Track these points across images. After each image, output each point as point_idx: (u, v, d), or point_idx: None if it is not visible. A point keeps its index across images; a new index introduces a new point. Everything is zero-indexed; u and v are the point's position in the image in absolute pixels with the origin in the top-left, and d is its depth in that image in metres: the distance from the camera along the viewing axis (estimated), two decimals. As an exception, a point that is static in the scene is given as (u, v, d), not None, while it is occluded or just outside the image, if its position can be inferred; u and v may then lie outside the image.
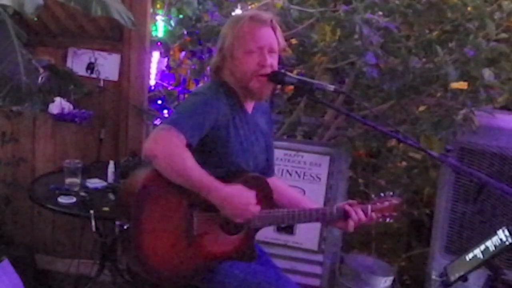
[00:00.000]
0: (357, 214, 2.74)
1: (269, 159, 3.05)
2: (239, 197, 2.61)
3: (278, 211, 2.82)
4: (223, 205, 2.57)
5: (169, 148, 2.55)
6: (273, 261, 3.11)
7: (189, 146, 2.56)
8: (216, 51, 2.86)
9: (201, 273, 2.73)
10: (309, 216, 2.82)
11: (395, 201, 2.89)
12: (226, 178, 2.69)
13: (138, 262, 2.63)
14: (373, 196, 3.14)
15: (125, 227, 2.66)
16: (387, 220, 2.92)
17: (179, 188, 2.58)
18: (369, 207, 2.80)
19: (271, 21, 2.72)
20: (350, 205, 2.77)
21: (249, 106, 2.86)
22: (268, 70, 2.70)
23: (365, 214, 2.79)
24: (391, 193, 2.95)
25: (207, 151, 2.69)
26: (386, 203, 2.86)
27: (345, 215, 2.74)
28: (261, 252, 2.98)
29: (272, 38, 2.72)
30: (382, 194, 2.93)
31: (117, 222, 2.72)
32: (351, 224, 2.75)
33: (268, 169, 3.04)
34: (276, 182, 3.08)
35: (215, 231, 2.67)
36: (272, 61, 2.70)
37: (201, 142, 2.62)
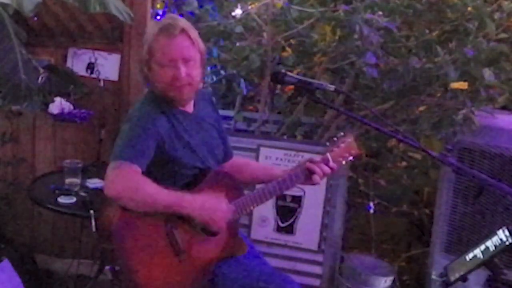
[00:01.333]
0: (321, 168, 2.77)
1: (225, 145, 3.08)
2: (210, 203, 2.66)
3: (250, 195, 2.85)
4: (198, 215, 2.62)
5: (127, 185, 2.58)
6: (273, 261, 3.18)
7: (143, 173, 2.61)
8: (141, 60, 2.88)
9: (201, 282, 2.77)
10: (279, 188, 2.84)
11: (349, 139, 2.90)
12: (192, 183, 2.79)
13: None
14: (327, 143, 3.03)
15: (116, 269, 2.88)
16: (351, 159, 2.94)
17: (151, 214, 2.63)
18: (328, 155, 2.82)
19: (183, 29, 2.71)
20: (311, 162, 2.80)
21: (188, 106, 2.88)
22: (184, 81, 2.70)
23: (327, 163, 2.81)
24: (342, 133, 2.96)
25: (161, 167, 2.76)
26: (342, 145, 2.88)
27: (310, 172, 2.78)
28: (255, 253, 3.02)
29: (186, 47, 2.72)
30: (335, 138, 2.93)
31: (107, 267, 3.07)
32: (317, 179, 2.79)
33: (226, 153, 3.08)
34: (237, 160, 3.17)
35: (199, 238, 2.71)
36: (188, 70, 2.70)
37: (153, 162, 2.66)
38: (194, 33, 2.79)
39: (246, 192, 2.98)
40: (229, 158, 3.14)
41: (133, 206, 2.57)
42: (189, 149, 2.80)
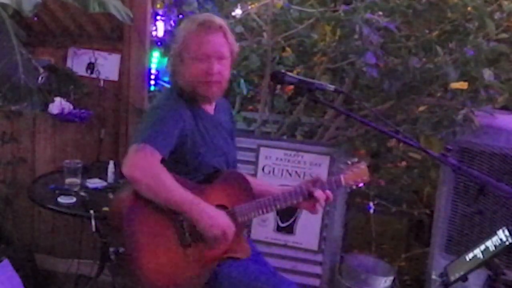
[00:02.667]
0: (324, 192, 2.75)
1: (233, 157, 3.09)
2: (217, 219, 2.64)
3: (258, 201, 2.83)
4: (201, 224, 2.60)
5: (147, 170, 2.57)
6: (273, 261, 3.17)
7: (163, 159, 2.61)
8: (173, 53, 2.91)
9: (202, 278, 2.75)
10: (272, 205, 2.81)
11: (362, 166, 2.90)
12: (205, 181, 2.79)
13: (140, 282, 2.64)
14: (341, 166, 3.09)
15: (120, 251, 2.76)
16: (360, 185, 2.93)
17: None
18: (342, 177, 2.81)
19: (221, 26, 2.74)
20: (313, 183, 2.77)
21: (210, 107, 2.90)
22: (215, 78, 2.72)
23: (339, 184, 2.82)
24: (355, 159, 2.96)
25: (179, 159, 2.74)
26: (356, 170, 2.87)
27: (309, 194, 2.77)
28: (256, 252, 3.02)
29: (222, 45, 2.75)
30: (349, 162, 2.93)
31: (111, 248, 2.85)
32: (317, 206, 2.78)
33: (234, 162, 3.10)
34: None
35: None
36: (221, 68, 2.72)
37: (172, 152, 2.66)
38: (230, 33, 2.82)
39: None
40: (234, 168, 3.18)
41: (146, 192, 2.57)
42: (208, 147, 2.82)
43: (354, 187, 2.94)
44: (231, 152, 3.05)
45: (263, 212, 2.95)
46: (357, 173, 2.90)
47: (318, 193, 2.79)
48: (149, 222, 2.65)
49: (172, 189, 2.58)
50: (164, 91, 3.09)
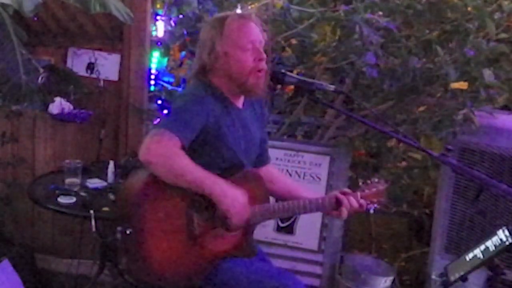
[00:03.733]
0: (350, 201, 2.76)
1: (263, 148, 3.07)
2: (237, 196, 2.61)
3: (274, 205, 2.83)
4: (221, 201, 2.57)
5: (163, 152, 2.55)
6: (273, 261, 3.11)
7: (183, 148, 2.57)
8: (201, 56, 2.85)
9: (204, 272, 2.73)
10: (303, 208, 2.83)
11: (381, 186, 2.89)
12: (223, 175, 2.71)
13: (141, 266, 2.64)
14: (360, 183, 3.04)
15: (127, 232, 2.65)
16: (375, 206, 2.92)
17: (177, 190, 2.58)
18: (358, 194, 2.81)
19: (255, 15, 2.77)
20: (342, 193, 2.77)
21: (239, 101, 2.88)
22: (265, 64, 2.72)
23: (356, 198, 2.82)
24: (376, 180, 2.93)
25: (200, 151, 2.71)
26: (374, 189, 2.86)
27: (338, 203, 2.76)
28: (259, 251, 2.99)
29: (260, 33, 2.75)
30: (369, 181, 2.91)
31: (118, 228, 2.72)
32: (344, 212, 2.76)
33: (263, 158, 3.08)
34: (272, 170, 3.15)
35: (215, 229, 2.66)
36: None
37: (194, 143, 2.64)
38: (262, 26, 2.83)
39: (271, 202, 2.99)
40: (264, 164, 3.13)
41: (163, 174, 2.56)
42: (230, 142, 2.80)
43: (369, 206, 2.92)
44: (256, 148, 3.04)
45: (274, 217, 3.01)
46: (374, 193, 2.90)
47: (352, 201, 2.79)
48: (159, 208, 2.64)
49: (190, 169, 2.56)
50: (191, 85, 3.10)
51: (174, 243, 2.67)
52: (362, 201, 2.80)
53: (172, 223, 2.67)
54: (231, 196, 2.61)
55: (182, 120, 2.61)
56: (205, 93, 2.74)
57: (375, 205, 2.92)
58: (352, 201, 2.77)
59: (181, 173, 2.55)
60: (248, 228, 2.83)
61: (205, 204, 2.64)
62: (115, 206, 3.55)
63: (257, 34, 2.75)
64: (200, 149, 2.71)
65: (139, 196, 2.62)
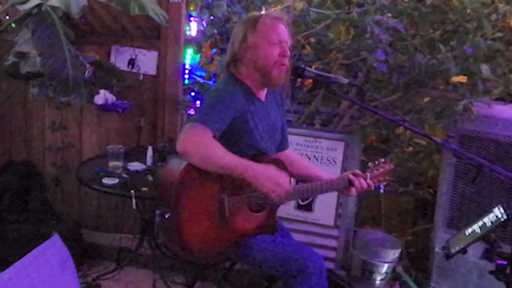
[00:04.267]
0: (360, 182, 2.93)
1: (283, 136, 3.21)
2: (273, 174, 2.76)
3: (296, 187, 2.98)
4: (259, 181, 2.72)
5: (198, 144, 2.69)
6: (293, 236, 3.31)
7: (214, 138, 2.71)
8: (232, 47, 3.00)
9: (234, 249, 2.92)
10: (319, 189, 2.99)
11: (388, 167, 3.07)
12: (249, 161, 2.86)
13: (179, 246, 2.82)
14: (369, 164, 3.19)
15: (166, 216, 2.86)
16: (384, 185, 3.14)
17: (210, 177, 2.75)
18: (368, 175, 2.98)
19: (286, 20, 2.92)
20: (354, 174, 2.94)
21: (262, 94, 3.02)
22: (287, 61, 2.88)
23: (366, 179, 2.98)
24: (383, 160, 3.11)
25: (229, 140, 2.84)
26: (381, 170, 3.04)
27: (350, 184, 2.93)
28: (282, 227, 3.16)
29: (287, 34, 2.91)
30: (376, 162, 3.09)
31: (158, 212, 2.96)
32: (353, 191, 2.96)
33: (283, 144, 3.23)
34: (292, 154, 3.31)
35: (243, 211, 2.85)
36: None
37: (224, 133, 2.77)
38: (289, 29, 3.00)
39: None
40: (284, 149, 3.27)
41: (200, 163, 2.70)
42: (256, 131, 2.95)
43: (379, 184, 3.09)
44: (278, 134, 3.16)
45: (296, 198, 3.22)
46: (383, 172, 3.07)
47: (361, 182, 2.96)
48: (195, 193, 2.78)
49: (224, 156, 2.68)
50: (221, 80, 3.20)
51: (207, 224, 2.82)
52: (370, 181, 2.96)
53: (206, 207, 2.83)
54: (265, 176, 2.73)
55: (213, 114, 2.76)
56: (233, 88, 2.88)
57: (384, 184, 3.11)
58: (362, 182, 2.93)
59: (216, 161, 2.69)
60: (272, 209, 2.99)
61: (234, 189, 2.81)
62: (154, 189, 3.69)
63: (284, 33, 2.88)
64: (228, 138, 2.83)
65: (177, 184, 2.77)
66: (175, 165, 2.86)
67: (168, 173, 2.95)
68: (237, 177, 2.76)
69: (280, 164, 2.99)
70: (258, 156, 2.94)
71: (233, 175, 2.74)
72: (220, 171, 2.72)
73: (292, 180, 3.20)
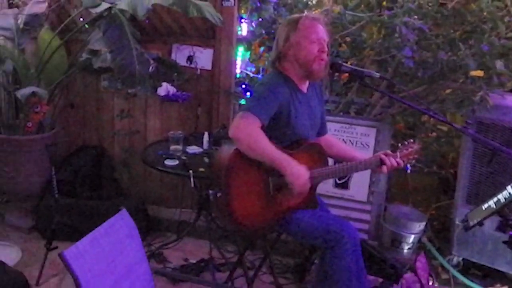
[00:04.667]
0: (390, 161, 3.01)
1: (322, 123, 3.31)
2: (300, 173, 2.85)
3: (332, 167, 3.07)
4: (290, 176, 2.83)
5: (248, 133, 2.79)
6: (331, 210, 3.40)
7: (262, 126, 2.83)
8: (277, 45, 3.10)
9: (278, 222, 3.03)
10: (355, 168, 3.07)
11: (416, 146, 3.13)
12: (291, 146, 3.03)
13: (230, 221, 2.94)
14: (398, 145, 3.24)
15: (218, 195, 2.97)
16: (411, 163, 3.18)
17: (256, 160, 2.85)
18: (398, 154, 3.06)
19: (324, 21, 3.05)
20: (385, 154, 3.03)
21: (304, 87, 3.12)
22: (326, 56, 2.98)
23: (396, 159, 3.05)
24: (411, 140, 3.19)
25: (275, 127, 2.95)
26: (410, 149, 3.10)
27: (381, 163, 3.02)
28: (321, 202, 3.28)
29: (325, 32, 3.02)
30: (406, 142, 3.17)
31: (210, 191, 3.05)
32: (384, 169, 3.03)
33: (323, 130, 3.33)
34: (330, 138, 3.41)
35: (286, 190, 2.92)
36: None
37: (270, 121, 2.88)
38: (327, 28, 3.08)
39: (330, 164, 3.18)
40: (323, 134, 3.36)
41: (245, 149, 2.82)
42: (298, 119, 3.03)
43: (408, 163, 3.15)
44: (317, 122, 3.24)
45: (332, 176, 3.19)
46: (411, 151, 3.12)
47: (391, 160, 3.03)
48: (243, 174, 2.90)
49: (266, 147, 2.80)
50: (269, 74, 3.29)
51: (254, 201, 2.94)
52: (399, 160, 3.03)
53: (252, 187, 2.94)
54: (295, 173, 2.83)
55: (261, 104, 2.86)
56: (278, 81, 2.99)
57: (411, 163, 3.18)
58: (392, 160, 3.01)
59: (259, 150, 2.82)
60: (313, 186, 3.03)
61: (277, 171, 2.87)
62: (209, 171, 3.79)
63: (322, 32, 2.99)
64: (274, 126, 2.94)
65: (226, 168, 2.89)
66: (225, 151, 2.96)
67: (219, 158, 3.04)
68: None
69: (318, 148, 3.12)
70: (299, 141, 3.06)
71: (269, 164, 2.85)
72: (260, 160, 2.84)
73: (330, 160, 3.24)
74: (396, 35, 3.89)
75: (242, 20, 5.01)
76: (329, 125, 3.73)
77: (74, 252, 2.26)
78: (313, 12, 4.34)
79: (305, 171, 2.85)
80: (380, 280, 3.83)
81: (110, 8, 4.15)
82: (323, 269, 3.03)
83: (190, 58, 4.91)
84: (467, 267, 4.31)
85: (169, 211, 5.16)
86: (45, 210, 4.78)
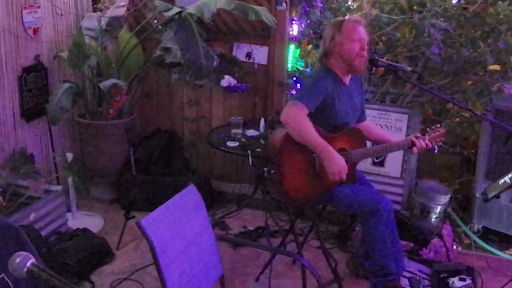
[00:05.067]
0: (420, 143, 3.11)
1: (362, 110, 3.41)
2: (337, 162, 2.99)
3: (369, 148, 3.23)
4: (327, 163, 2.98)
5: (296, 119, 2.92)
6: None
7: (309, 113, 2.95)
8: (324, 44, 3.20)
9: (324, 196, 3.17)
10: (389, 149, 3.21)
11: (442, 130, 3.22)
12: (335, 130, 3.14)
13: (281, 194, 3.11)
14: (427, 128, 3.30)
15: (271, 172, 3.10)
16: (438, 145, 3.28)
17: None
18: (426, 137, 3.15)
19: (364, 24, 3.19)
20: (416, 137, 3.13)
21: (347, 79, 3.22)
22: (366, 53, 3.10)
23: (425, 141, 3.15)
24: (438, 125, 3.26)
25: (321, 114, 3.07)
26: (437, 133, 3.20)
27: (412, 144, 3.12)
28: (361, 177, 3.38)
29: (365, 33, 3.14)
30: (433, 127, 3.24)
31: (265, 169, 3.14)
32: (415, 150, 3.12)
33: (362, 116, 3.43)
34: (368, 124, 3.50)
35: None
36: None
37: (317, 109, 3.01)
38: (367, 29, 3.16)
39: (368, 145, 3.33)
40: (363, 120, 3.44)
41: (292, 133, 2.94)
42: (341, 107, 3.13)
43: (435, 145, 3.24)
44: (358, 110, 3.32)
45: (370, 156, 3.40)
46: (438, 135, 3.21)
47: (421, 142, 3.13)
48: (293, 154, 3.02)
49: (311, 134, 2.92)
50: (316, 69, 3.35)
51: (302, 177, 3.07)
52: (428, 142, 3.14)
53: (301, 165, 3.06)
54: (333, 161, 2.96)
55: (309, 94, 2.99)
56: (324, 75, 3.10)
57: (438, 145, 3.30)
58: (422, 142, 3.12)
59: (304, 135, 2.93)
60: (352, 165, 3.15)
61: None
62: (264, 151, 3.92)
63: (363, 33, 3.10)
64: (320, 113, 3.05)
65: (278, 148, 3.02)
66: (277, 134, 3.09)
67: (272, 140, 3.17)
68: None
69: (358, 132, 3.23)
70: (342, 125, 3.17)
71: (311, 149, 2.97)
72: (304, 144, 2.95)
73: (369, 142, 3.36)
74: (425, 34, 4.00)
75: (293, 22, 5.12)
76: (368, 112, 3.79)
77: (149, 221, 2.39)
78: (354, 15, 4.48)
79: (341, 159, 2.98)
80: (411, 244, 3.98)
81: (180, 12, 4.36)
82: (363, 235, 3.22)
83: (248, 55, 5.11)
84: (486, 234, 4.45)
85: (230, 185, 5.38)
86: (124, 184, 5.07)
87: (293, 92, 5.01)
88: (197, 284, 2.63)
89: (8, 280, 1.66)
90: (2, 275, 1.64)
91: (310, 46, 5.07)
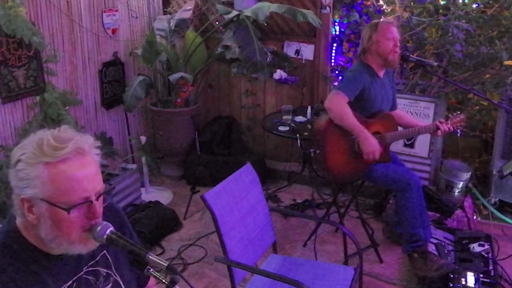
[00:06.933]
0: (444, 127, 3.23)
1: (394, 99, 3.55)
2: (372, 144, 3.16)
3: (401, 131, 3.37)
4: (363, 144, 3.15)
5: (338, 105, 3.11)
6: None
7: (349, 101, 3.13)
8: (362, 43, 3.35)
9: (362, 173, 3.36)
10: (417, 132, 3.40)
11: (462, 116, 3.32)
12: (371, 116, 3.32)
13: (325, 171, 3.28)
14: (450, 115, 3.37)
15: (317, 152, 3.23)
16: (460, 129, 3.34)
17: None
18: (449, 121, 3.27)
19: (395, 23, 3.37)
20: (440, 122, 3.23)
21: (381, 73, 3.36)
22: (398, 50, 3.26)
23: (448, 125, 3.25)
24: (459, 112, 3.37)
25: (360, 102, 3.26)
26: (458, 118, 3.31)
27: (437, 128, 3.25)
28: (394, 157, 3.55)
29: (397, 32, 3.31)
30: (455, 113, 3.36)
31: (311, 150, 3.27)
32: (439, 133, 3.24)
33: (394, 105, 3.57)
34: (399, 112, 3.63)
35: None
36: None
37: (355, 99, 3.19)
38: (399, 29, 3.26)
39: (399, 129, 3.44)
40: (394, 109, 3.57)
41: (334, 118, 3.12)
42: (376, 97, 3.29)
43: (456, 129, 3.33)
44: (390, 100, 3.47)
45: (401, 138, 3.48)
46: (459, 120, 3.32)
47: (444, 126, 3.23)
48: (335, 137, 3.20)
49: (350, 119, 3.11)
50: (355, 64, 3.43)
51: (344, 157, 3.26)
52: (450, 126, 3.26)
53: (342, 145, 3.23)
54: (367, 142, 3.14)
55: (349, 85, 3.17)
56: (362, 69, 3.28)
57: (460, 129, 3.37)
58: (445, 126, 3.25)
59: (344, 120, 3.12)
60: (386, 146, 3.31)
61: None
62: (311, 133, 4.06)
63: (396, 32, 3.27)
64: (358, 102, 3.23)
65: (322, 131, 3.18)
66: (321, 119, 3.26)
67: (317, 124, 3.33)
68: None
69: (390, 117, 3.40)
70: (377, 112, 3.35)
71: (351, 132, 3.15)
72: (344, 127, 3.14)
73: (400, 128, 3.46)
74: (449, 34, 4.18)
75: (335, 23, 5.28)
76: (399, 101, 3.96)
77: (211, 194, 2.47)
78: (388, 18, 4.63)
79: (375, 142, 3.15)
80: (437, 215, 4.14)
81: (238, 14, 4.59)
82: (396, 207, 3.40)
83: (297, 51, 5.30)
84: (502, 206, 4.58)
85: (282, 164, 5.56)
86: (190, 163, 5.28)
87: (336, 83, 5.06)
88: (253, 249, 2.75)
89: (109, 257, 1.69)
90: (104, 251, 1.66)
91: (350, 44, 5.23)
